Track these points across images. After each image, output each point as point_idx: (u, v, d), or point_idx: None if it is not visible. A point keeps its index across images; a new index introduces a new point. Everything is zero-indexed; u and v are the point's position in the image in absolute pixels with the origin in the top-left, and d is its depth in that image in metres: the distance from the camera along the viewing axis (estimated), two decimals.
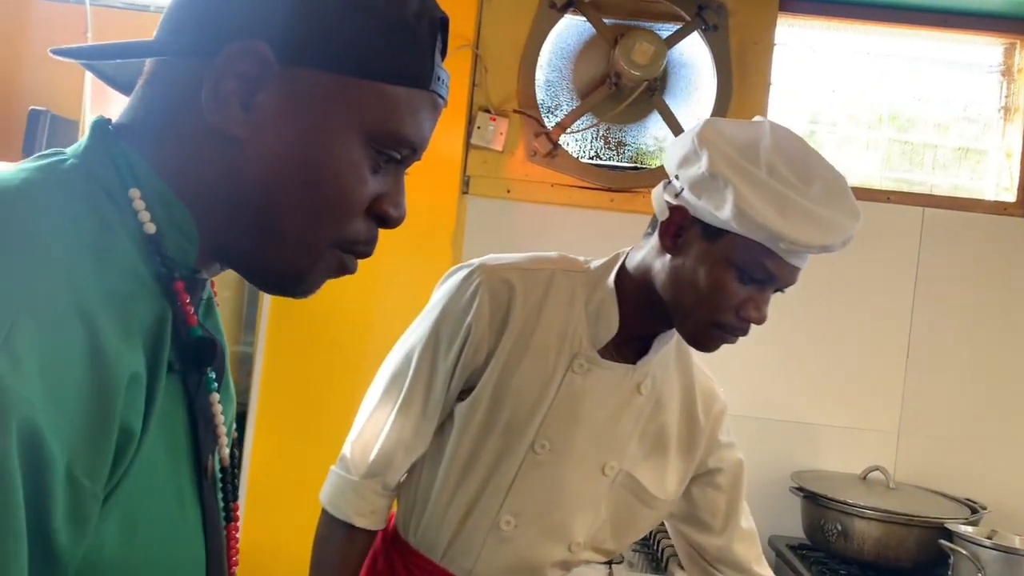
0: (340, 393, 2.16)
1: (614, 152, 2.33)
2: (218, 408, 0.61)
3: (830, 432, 2.26)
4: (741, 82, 2.24)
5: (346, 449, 1.20)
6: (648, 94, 2.17)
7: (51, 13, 2.33)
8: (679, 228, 1.08)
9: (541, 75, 2.28)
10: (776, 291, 1.11)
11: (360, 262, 0.66)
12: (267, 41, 0.56)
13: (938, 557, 1.85)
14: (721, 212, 1.03)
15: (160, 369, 0.54)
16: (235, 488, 0.68)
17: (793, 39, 2.36)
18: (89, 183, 0.55)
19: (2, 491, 0.43)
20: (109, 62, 0.65)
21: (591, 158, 2.31)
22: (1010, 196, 2.31)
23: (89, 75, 2.16)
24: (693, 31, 2.20)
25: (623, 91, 2.16)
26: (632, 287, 1.15)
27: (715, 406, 1.27)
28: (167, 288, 0.57)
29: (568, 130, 2.23)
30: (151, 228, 0.56)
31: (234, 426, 0.73)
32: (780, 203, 1.01)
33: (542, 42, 2.25)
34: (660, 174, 2.19)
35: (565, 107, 2.29)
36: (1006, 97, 2.36)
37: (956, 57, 2.40)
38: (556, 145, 2.21)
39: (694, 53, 2.28)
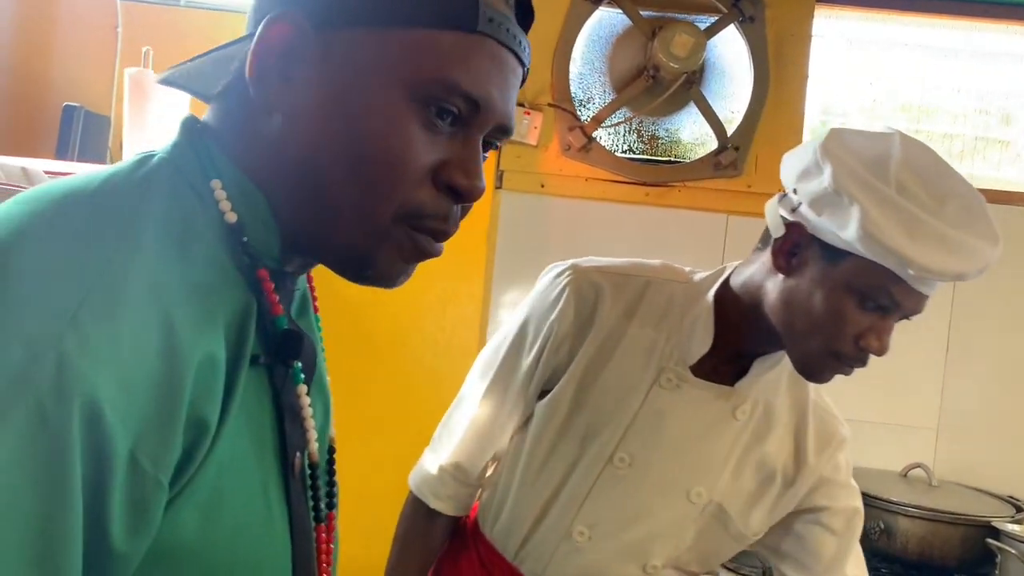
0: (376, 388, 2.15)
1: (647, 146, 2.30)
2: (306, 401, 0.59)
3: (870, 429, 2.24)
4: (778, 74, 2.21)
5: (436, 432, 1.22)
6: (686, 87, 2.15)
7: (80, 7, 2.31)
8: (795, 246, 1.01)
9: (575, 68, 2.25)
10: (901, 319, 1.03)
11: None
12: (303, 10, 0.55)
13: (984, 556, 1.83)
14: (845, 232, 0.95)
15: (242, 361, 0.53)
16: (330, 487, 0.66)
17: (830, 30, 2.33)
18: (175, 177, 0.55)
19: (62, 469, 0.42)
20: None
21: (624, 152, 2.29)
22: None
23: (118, 70, 2.13)
24: (730, 23, 2.17)
25: (661, 84, 2.13)
26: (736, 304, 1.08)
27: (831, 445, 1.18)
28: (251, 278, 0.56)
29: (603, 124, 2.20)
30: (232, 217, 0.56)
31: (331, 425, 0.71)
32: (911, 225, 0.93)
33: (576, 35, 2.22)
34: (694, 168, 2.19)
35: (598, 101, 2.27)
36: None
37: (1002, 48, 2.36)
38: (591, 139, 2.18)
39: (730, 45, 2.25)
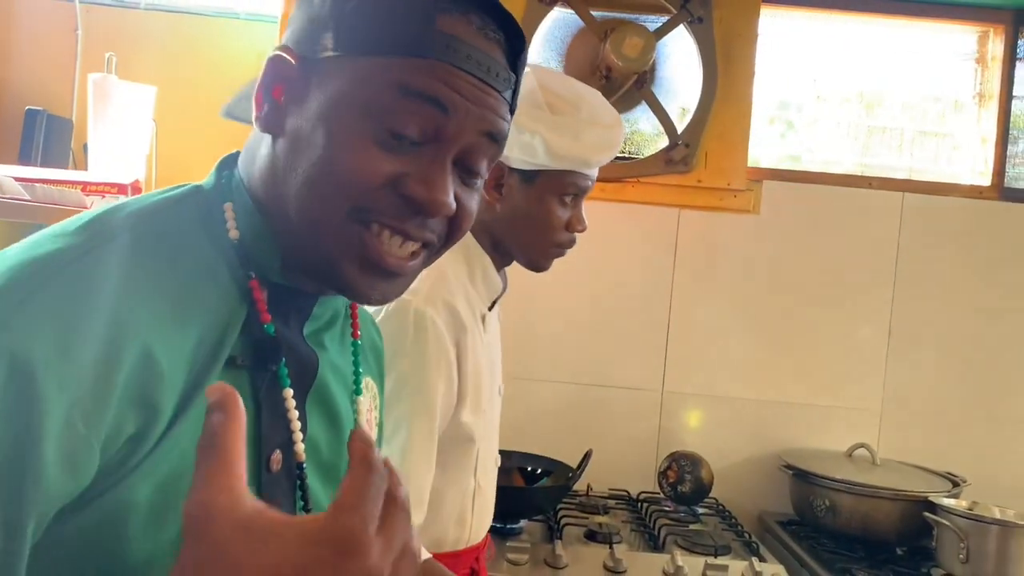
0: None
1: None
2: (291, 403, 0.63)
3: (817, 412, 2.34)
4: (726, 72, 2.29)
5: None
6: (637, 86, 2.22)
7: (40, 10, 2.32)
8: (498, 181, 1.29)
9: None
10: (583, 201, 1.34)
11: None
12: (292, 43, 0.63)
13: (922, 529, 1.93)
14: (536, 157, 1.25)
15: (216, 360, 0.58)
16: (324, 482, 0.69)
17: (775, 29, 2.42)
18: (196, 199, 0.65)
19: None
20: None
21: None
22: (985, 180, 2.39)
23: (79, 73, 2.14)
24: (680, 23, 2.25)
25: (614, 83, 2.20)
26: (484, 241, 1.33)
27: None
28: (245, 292, 0.62)
29: None
30: (235, 234, 0.63)
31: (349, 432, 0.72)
32: (574, 133, 1.25)
33: (532, 35, 2.28)
34: (649, 164, 2.27)
35: None
36: (980, 84, 2.44)
37: (933, 45, 2.47)
38: None
39: (680, 45, 2.33)
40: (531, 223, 1.30)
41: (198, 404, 0.55)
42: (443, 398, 1.20)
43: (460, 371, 1.23)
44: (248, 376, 0.61)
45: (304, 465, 0.65)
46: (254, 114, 0.63)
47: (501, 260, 1.35)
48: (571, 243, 1.34)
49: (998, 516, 1.86)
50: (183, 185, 0.66)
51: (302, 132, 0.61)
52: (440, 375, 1.19)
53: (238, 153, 0.69)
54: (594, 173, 1.33)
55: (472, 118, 0.61)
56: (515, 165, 1.28)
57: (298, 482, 0.65)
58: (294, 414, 0.63)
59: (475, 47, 0.61)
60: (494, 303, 1.37)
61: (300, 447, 0.64)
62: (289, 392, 0.63)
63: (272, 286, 0.64)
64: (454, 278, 1.26)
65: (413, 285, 0.79)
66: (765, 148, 2.45)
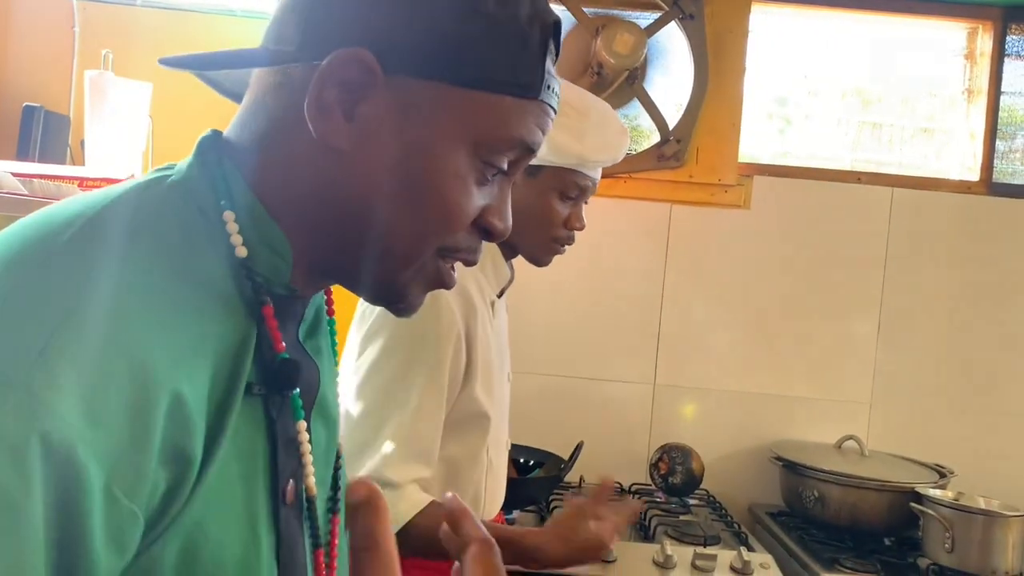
0: None
1: None
2: (304, 437, 0.60)
3: (807, 404, 2.37)
4: (717, 68, 2.32)
5: None
6: (629, 82, 2.24)
7: (38, 7, 2.34)
8: None
9: None
10: (585, 201, 1.40)
11: None
12: (373, 49, 0.54)
13: (909, 519, 1.95)
14: (539, 152, 1.23)
15: (236, 391, 0.52)
16: (333, 504, 0.68)
17: (767, 25, 2.44)
18: (185, 201, 0.56)
19: (18, 501, 0.41)
20: (226, 75, 0.65)
21: None
22: (974, 175, 2.42)
23: (76, 70, 2.17)
24: (671, 20, 2.27)
25: (605, 80, 2.23)
26: None
27: None
28: (255, 311, 0.56)
29: None
30: (243, 252, 0.56)
31: (337, 453, 0.71)
32: (577, 134, 1.30)
33: None
34: (641, 160, 2.29)
35: None
36: (969, 80, 2.46)
37: (922, 42, 2.49)
38: None
39: (671, 42, 2.35)
40: (531, 217, 1.33)
41: (222, 444, 0.51)
42: (451, 363, 1.25)
43: (469, 348, 1.27)
44: (262, 403, 0.57)
45: (315, 499, 0.62)
46: (315, 118, 0.55)
47: (507, 251, 1.40)
48: (569, 240, 1.39)
49: (983, 506, 1.89)
50: (159, 175, 0.58)
51: (396, 162, 0.56)
52: (450, 342, 1.24)
53: (218, 135, 0.61)
54: (596, 175, 1.37)
55: (539, 147, 0.62)
56: None
57: (309, 514, 0.62)
58: (307, 447, 0.60)
59: (555, 78, 0.61)
60: (503, 291, 1.43)
61: (312, 480, 0.61)
62: (303, 425, 0.60)
63: (276, 300, 0.58)
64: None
65: None
66: (764, 145, 2.47)
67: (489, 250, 1.36)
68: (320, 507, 0.65)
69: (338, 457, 0.70)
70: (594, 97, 1.39)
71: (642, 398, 2.36)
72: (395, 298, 0.62)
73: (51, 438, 0.42)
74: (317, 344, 0.67)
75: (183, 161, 0.59)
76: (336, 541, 0.67)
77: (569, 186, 1.35)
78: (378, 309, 1.20)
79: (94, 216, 0.52)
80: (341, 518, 0.69)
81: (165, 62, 0.59)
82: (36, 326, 0.45)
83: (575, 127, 1.31)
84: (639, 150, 2.34)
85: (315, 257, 0.59)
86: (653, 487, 2.22)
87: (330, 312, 0.71)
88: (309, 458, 0.60)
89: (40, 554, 0.42)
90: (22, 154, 1.97)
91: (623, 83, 2.23)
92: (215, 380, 0.51)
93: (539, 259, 1.40)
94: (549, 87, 0.60)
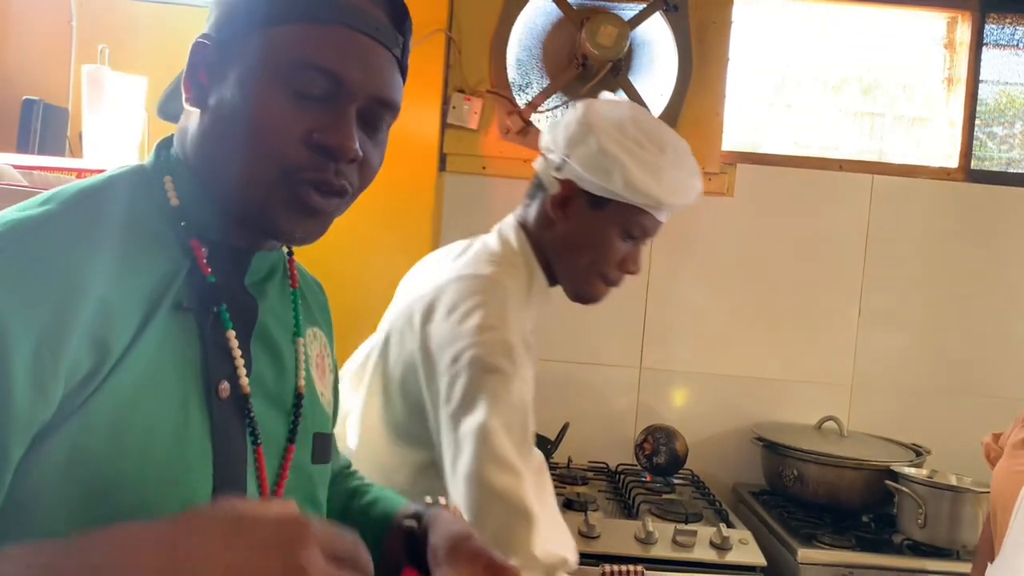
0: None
1: None
2: (234, 343, 0.72)
3: (788, 386, 2.43)
4: (701, 59, 2.37)
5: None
6: (613, 73, 2.29)
7: (36, 3, 2.39)
8: (565, 199, 1.27)
9: (512, 55, 2.39)
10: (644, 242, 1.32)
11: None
12: (212, 30, 0.73)
13: (886, 497, 2.02)
14: (612, 184, 1.21)
15: (162, 304, 0.67)
16: (294, 424, 0.78)
17: (749, 17, 2.49)
18: (138, 175, 0.75)
19: None
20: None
21: None
22: (953, 163, 2.47)
23: (74, 63, 2.21)
24: (655, 12, 2.32)
25: (590, 71, 2.28)
26: (540, 258, 1.31)
27: None
28: (187, 249, 0.71)
29: (539, 109, 2.35)
30: (175, 202, 0.73)
31: (299, 377, 0.80)
32: (656, 173, 1.22)
33: (512, 24, 2.36)
34: None
35: (536, 84, 2.41)
36: (949, 69, 2.51)
37: (905, 31, 2.54)
38: (528, 123, 2.33)
39: (656, 33, 2.40)
40: (586, 249, 1.27)
41: (147, 336, 0.66)
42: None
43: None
44: (194, 318, 0.70)
45: (250, 396, 0.73)
46: (184, 97, 0.72)
47: (550, 280, 1.33)
48: (618, 282, 1.31)
49: (954, 483, 1.95)
50: (127, 166, 0.76)
51: (224, 103, 0.70)
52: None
53: (169, 137, 0.78)
54: (663, 218, 1.28)
55: (368, 75, 0.71)
56: (587, 187, 1.24)
57: (246, 410, 0.73)
58: (237, 352, 0.72)
59: (364, 11, 0.72)
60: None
61: (244, 380, 0.73)
62: (232, 333, 0.72)
63: (212, 244, 0.73)
64: (514, 294, 1.23)
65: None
66: (747, 134, 2.52)
67: (537, 275, 1.29)
68: (270, 426, 0.75)
69: (300, 403, 0.79)
70: (670, 131, 1.29)
71: (628, 381, 2.42)
72: (265, 225, 0.72)
73: None
74: (264, 290, 0.79)
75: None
76: (287, 469, 0.76)
77: (634, 226, 1.26)
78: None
79: (82, 187, 0.71)
80: (297, 449, 0.78)
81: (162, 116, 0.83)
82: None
83: (652, 163, 1.22)
84: None
85: (226, 208, 0.73)
86: (638, 467, 2.29)
87: (293, 284, 0.84)
88: (241, 362, 0.72)
89: None
90: (22, 146, 2.03)
91: (608, 74, 2.28)
92: (148, 295, 0.67)
93: (583, 294, 1.31)
94: (345, 10, 0.71)
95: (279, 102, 0.69)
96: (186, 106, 0.73)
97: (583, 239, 1.26)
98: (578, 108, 1.28)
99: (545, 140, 1.32)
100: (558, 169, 1.27)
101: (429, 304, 1.21)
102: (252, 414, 0.73)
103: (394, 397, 1.26)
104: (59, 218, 0.66)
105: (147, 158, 0.78)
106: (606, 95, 1.40)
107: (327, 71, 0.69)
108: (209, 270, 0.72)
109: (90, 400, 0.62)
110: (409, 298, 1.28)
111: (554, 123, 1.33)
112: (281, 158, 0.69)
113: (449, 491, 1.13)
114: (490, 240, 1.34)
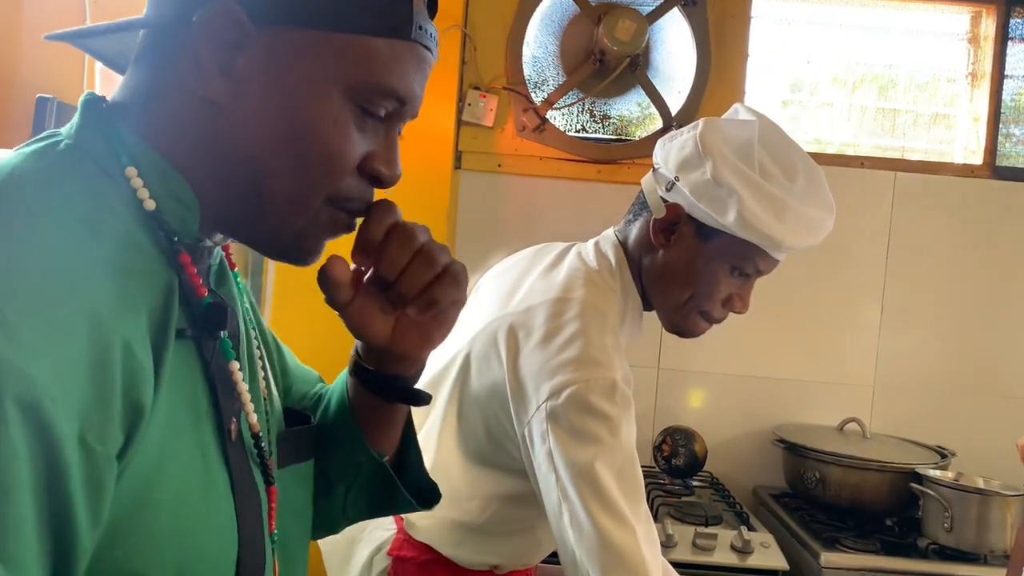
0: (343, 363, 2.25)
1: (599, 125, 2.42)
2: (239, 376, 0.61)
3: (810, 387, 2.39)
4: (719, 54, 2.33)
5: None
6: (631, 69, 2.26)
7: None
8: (671, 224, 1.15)
9: (528, 52, 2.36)
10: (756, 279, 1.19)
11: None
12: (243, 4, 0.57)
13: (910, 499, 1.97)
14: (724, 218, 1.08)
15: (168, 337, 0.54)
16: (271, 451, 0.68)
17: (769, 11, 2.45)
18: (83, 163, 0.56)
19: (6, 464, 0.43)
20: (110, 45, 0.65)
21: (578, 131, 2.40)
22: (977, 159, 2.42)
23: (88, 60, 2.20)
24: (674, 6, 2.28)
25: (607, 67, 2.25)
26: (639, 281, 1.21)
27: None
28: (172, 260, 0.58)
29: (555, 105, 2.32)
30: (151, 205, 0.57)
31: (272, 388, 0.72)
32: (777, 209, 1.07)
33: (528, 20, 2.33)
34: (643, 146, 2.31)
35: (552, 81, 2.38)
36: (973, 64, 2.47)
37: (927, 26, 2.50)
38: (544, 120, 2.30)
39: (674, 28, 2.37)
40: (688, 283, 1.15)
41: (161, 387, 0.53)
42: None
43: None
44: (195, 346, 0.59)
45: (260, 435, 0.64)
46: (193, 75, 0.57)
47: (645, 305, 1.23)
48: (720, 320, 1.18)
49: (981, 486, 1.91)
50: (48, 142, 0.57)
51: (273, 111, 0.58)
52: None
53: (100, 99, 0.61)
54: (781, 257, 1.14)
55: (422, 95, 0.64)
56: (696, 215, 1.12)
57: (257, 451, 0.64)
58: (243, 387, 0.62)
59: (428, 20, 0.63)
60: None
61: (254, 418, 0.63)
62: (236, 365, 0.62)
63: (187, 250, 0.60)
64: (612, 322, 1.13)
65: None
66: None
67: (634, 300, 1.19)
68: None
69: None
70: (807, 158, 1.13)
71: (646, 382, 2.39)
72: (290, 250, 0.63)
73: (24, 400, 0.44)
74: (229, 291, 0.69)
75: (68, 126, 0.59)
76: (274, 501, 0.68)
77: (747, 263, 1.13)
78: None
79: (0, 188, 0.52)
80: (274, 461, 0.69)
81: (52, 37, 0.61)
82: None
83: (776, 198, 1.07)
84: (642, 136, 2.36)
85: (219, 208, 0.61)
86: (657, 469, 2.25)
87: (231, 265, 0.72)
88: (247, 396, 0.62)
89: (30, 509, 0.44)
90: None
91: (625, 70, 2.25)
92: (150, 327, 0.53)
93: (679, 328, 1.20)
94: (421, 28, 0.61)
95: (345, 124, 0.60)
96: (193, 85, 0.57)
97: (686, 271, 1.14)
98: (698, 126, 1.14)
99: (657, 155, 1.21)
100: (667, 190, 1.15)
101: (519, 327, 1.11)
102: (263, 452, 0.64)
103: (472, 421, 1.18)
104: (40, 238, 0.50)
105: (72, 130, 0.58)
106: (738, 110, 1.21)
107: (400, 96, 0.61)
108: (205, 292, 0.60)
109: (123, 474, 0.50)
110: (494, 313, 1.17)
111: (669, 136, 1.20)
112: (334, 184, 0.61)
113: (556, 538, 1.06)
114: (586, 253, 1.23)
